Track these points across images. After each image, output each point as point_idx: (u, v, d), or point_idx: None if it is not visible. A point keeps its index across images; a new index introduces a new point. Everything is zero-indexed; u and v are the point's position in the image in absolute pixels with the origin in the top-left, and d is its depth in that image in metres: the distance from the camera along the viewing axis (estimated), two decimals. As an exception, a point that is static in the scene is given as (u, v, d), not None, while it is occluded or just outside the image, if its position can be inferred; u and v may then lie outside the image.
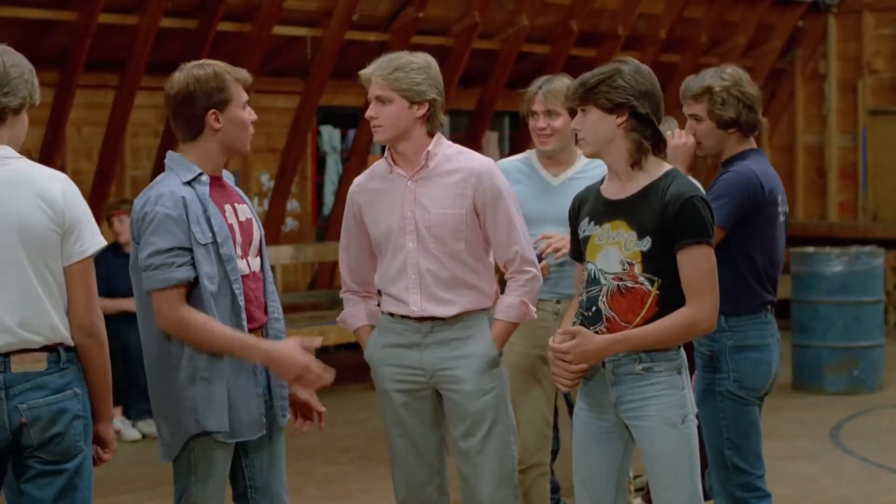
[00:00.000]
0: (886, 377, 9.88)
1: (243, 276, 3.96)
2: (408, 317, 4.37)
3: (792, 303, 10.03)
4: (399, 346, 4.39)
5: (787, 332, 10.19)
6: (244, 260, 3.99)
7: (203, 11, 8.99)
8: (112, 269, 8.48)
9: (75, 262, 3.61)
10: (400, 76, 4.23)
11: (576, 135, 3.99)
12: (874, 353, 9.78)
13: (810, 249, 10.05)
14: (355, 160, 10.55)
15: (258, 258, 4.08)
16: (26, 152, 9.76)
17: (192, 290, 3.87)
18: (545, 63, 11.31)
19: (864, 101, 13.06)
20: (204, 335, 3.86)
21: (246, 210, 4.07)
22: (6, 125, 3.63)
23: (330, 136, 11.48)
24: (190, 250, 3.84)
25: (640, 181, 3.92)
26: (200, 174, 3.93)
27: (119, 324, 8.59)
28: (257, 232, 4.10)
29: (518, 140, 11.76)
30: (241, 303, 3.93)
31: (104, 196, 9.25)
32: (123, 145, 9.41)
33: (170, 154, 4.03)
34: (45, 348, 3.61)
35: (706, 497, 5.19)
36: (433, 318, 4.34)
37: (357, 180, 4.49)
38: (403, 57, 4.31)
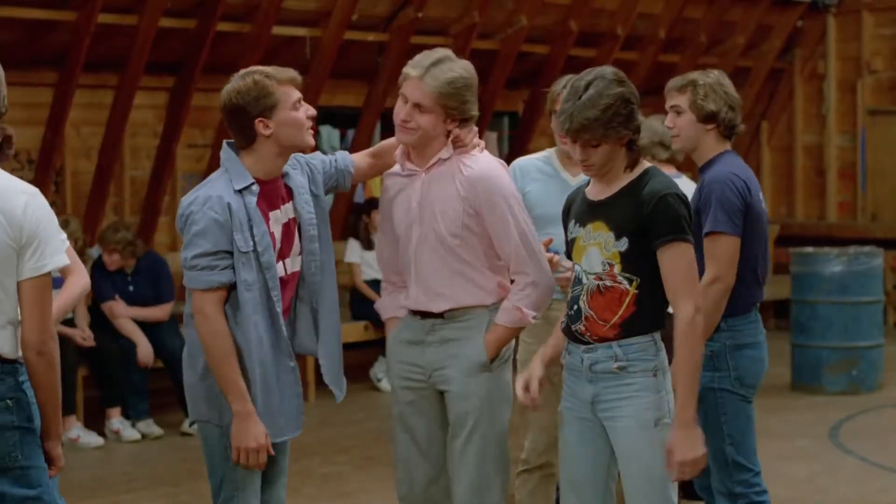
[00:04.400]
0: (885, 377, 9.88)
1: (280, 279, 4.09)
2: (417, 312, 4.38)
3: (791, 303, 10.03)
4: (409, 343, 4.41)
5: (786, 332, 10.23)
6: (280, 263, 4.10)
7: (202, 11, 8.98)
8: (94, 278, 8.53)
9: (27, 277, 3.52)
10: (451, 92, 4.20)
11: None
12: (873, 353, 9.78)
13: (809, 249, 10.05)
14: (354, 160, 10.55)
15: (300, 256, 4.19)
16: (25, 152, 9.71)
17: (230, 293, 4.02)
18: (544, 63, 11.32)
19: (864, 101, 13.06)
20: (222, 354, 3.98)
21: (289, 209, 4.16)
22: None
23: (329, 136, 11.48)
24: (232, 254, 3.98)
25: (623, 180, 3.94)
26: (252, 184, 4.03)
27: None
28: (306, 224, 4.17)
29: (517, 140, 11.75)
30: (279, 309, 4.07)
31: (103, 196, 9.25)
32: (123, 145, 9.41)
33: (227, 149, 4.11)
34: None
35: (695, 497, 5.21)
36: (432, 315, 4.34)
37: (387, 172, 4.50)
38: (455, 68, 4.22)
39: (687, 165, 7.65)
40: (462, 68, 4.24)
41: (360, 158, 4.51)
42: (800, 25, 13.25)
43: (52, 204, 9.22)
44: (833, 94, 13.26)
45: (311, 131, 4.12)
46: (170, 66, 9.38)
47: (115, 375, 8.44)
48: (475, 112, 4.29)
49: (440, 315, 4.34)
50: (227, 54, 9.26)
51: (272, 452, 4.08)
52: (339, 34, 9.70)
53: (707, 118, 4.69)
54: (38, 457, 3.65)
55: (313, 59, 9.75)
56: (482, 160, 4.33)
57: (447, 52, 4.31)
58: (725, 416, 4.59)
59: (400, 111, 4.26)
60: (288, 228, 4.15)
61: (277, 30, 9.43)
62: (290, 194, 4.18)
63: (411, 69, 4.23)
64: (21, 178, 3.66)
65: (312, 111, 4.11)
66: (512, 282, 4.39)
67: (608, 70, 3.91)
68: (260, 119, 4.00)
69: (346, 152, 4.51)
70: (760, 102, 13.55)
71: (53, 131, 8.82)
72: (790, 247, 10.75)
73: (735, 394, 4.62)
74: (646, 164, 3.98)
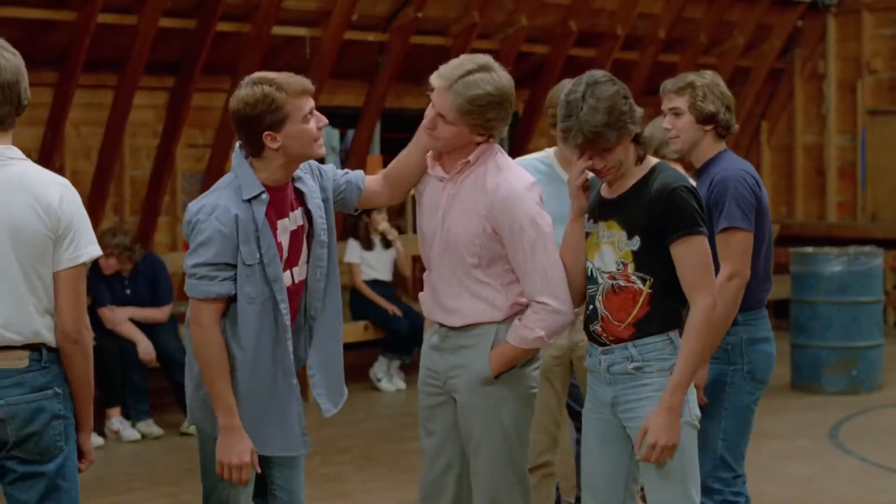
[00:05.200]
0: (885, 377, 9.89)
1: (286, 289, 4.02)
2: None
3: (791, 303, 10.04)
4: (431, 348, 4.33)
5: (786, 332, 10.22)
6: (288, 272, 4.04)
7: (202, 11, 8.98)
8: (90, 282, 8.53)
9: (64, 268, 3.58)
10: (474, 109, 4.04)
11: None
12: (873, 353, 9.79)
13: (809, 249, 10.05)
14: (354, 160, 10.56)
15: (307, 264, 4.12)
16: (25, 152, 9.78)
17: (229, 305, 3.97)
18: (544, 63, 11.32)
19: (863, 101, 13.06)
20: (213, 364, 3.94)
21: (298, 216, 4.08)
22: (13, 124, 3.66)
23: (329, 136, 11.49)
24: (234, 266, 3.93)
25: (634, 176, 3.96)
26: (261, 193, 3.95)
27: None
28: (318, 228, 4.10)
29: (517, 140, 11.75)
30: (287, 322, 4.01)
31: (103, 196, 9.24)
32: (122, 145, 9.40)
33: (238, 154, 4.03)
34: (27, 346, 3.57)
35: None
36: (443, 325, 4.28)
37: (424, 176, 4.35)
38: (484, 84, 4.04)
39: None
40: (492, 84, 4.05)
41: (374, 180, 4.35)
42: (800, 25, 13.25)
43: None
44: (833, 94, 13.26)
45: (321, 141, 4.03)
46: (170, 66, 9.38)
47: (114, 375, 8.43)
48: (503, 131, 4.15)
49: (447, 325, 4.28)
50: (227, 54, 9.26)
51: (258, 469, 4.01)
52: (339, 34, 9.70)
53: (706, 119, 4.71)
54: (75, 450, 3.71)
55: (313, 59, 9.75)
56: (511, 177, 4.15)
57: (486, 60, 4.10)
58: (727, 410, 4.63)
59: (427, 115, 4.14)
60: (296, 236, 4.07)
61: (277, 30, 9.43)
62: (299, 200, 4.10)
63: (438, 78, 4.07)
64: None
65: (324, 121, 4.01)
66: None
67: (597, 73, 3.93)
68: (268, 133, 3.91)
69: (361, 171, 4.37)
70: (760, 102, 13.55)
71: (53, 131, 8.82)
72: (790, 247, 10.75)
73: (744, 389, 4.65)
74: (653, 160, 4.00)
